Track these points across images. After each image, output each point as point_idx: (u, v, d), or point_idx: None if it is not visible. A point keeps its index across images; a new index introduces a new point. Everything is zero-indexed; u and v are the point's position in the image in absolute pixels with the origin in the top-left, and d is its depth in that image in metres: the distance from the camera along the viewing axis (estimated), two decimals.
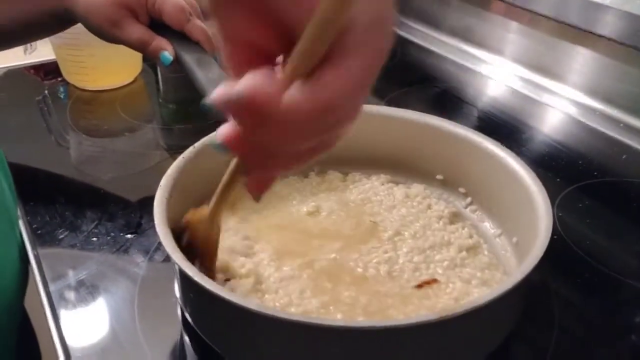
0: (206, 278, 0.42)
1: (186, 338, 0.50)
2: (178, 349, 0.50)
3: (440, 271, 0.51)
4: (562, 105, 0.87)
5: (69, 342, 0.49)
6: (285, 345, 0.42)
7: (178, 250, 0.45)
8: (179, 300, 0.50)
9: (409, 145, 0.63)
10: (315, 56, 0.27)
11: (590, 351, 0.50)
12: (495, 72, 0.96)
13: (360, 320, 0.45)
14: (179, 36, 0.64)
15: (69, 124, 0.83)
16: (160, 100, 0.95)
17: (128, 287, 0.54)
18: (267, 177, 0.35)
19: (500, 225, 0.57)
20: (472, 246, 0.54)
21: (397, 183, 0.62)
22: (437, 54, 1.05)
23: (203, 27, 0.64)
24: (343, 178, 0.63)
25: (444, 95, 0.93)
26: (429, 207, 0.59)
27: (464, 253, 0.53)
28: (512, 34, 0.96)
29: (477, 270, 0.51)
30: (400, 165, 0.63)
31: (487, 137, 0.58)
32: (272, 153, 0.32)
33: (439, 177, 0.62)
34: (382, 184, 0.62)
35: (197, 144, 0.57)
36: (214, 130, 0.55)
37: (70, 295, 0.54)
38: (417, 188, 0.61)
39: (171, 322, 0.51)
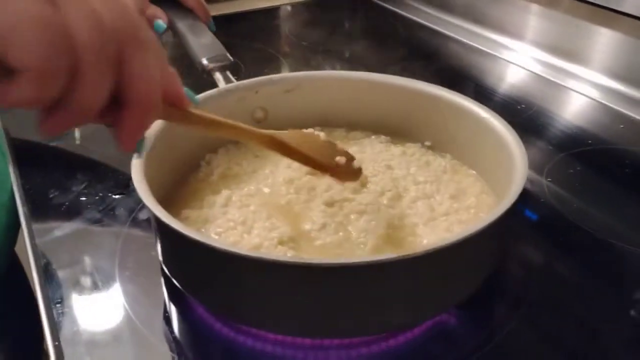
0: (172, 218, 0.42)
1: (164, 289, 0.51)
2: (159, 301, 0.50)
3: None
4: (584, 89, 0.83)
5: (52, 292, 0.50)
6: (253, 285, 0.42)
7: (150, 194, 0.45)
8: (158, 252, 0.50)
9: (400, 111, 0.63)
10: None
11: (569, 305, 0.49)
12: (515, 57, 0.94)
13: (328, 259, 0.45)
14: (171, 2, 0.65)
15: None
16: None
17: (111, 242, 0.55)
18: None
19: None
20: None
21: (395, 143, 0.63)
22: (454, 38, 1.04)
23: None
24: (346, 135, 0.65)
25: (463, 81, 0.90)
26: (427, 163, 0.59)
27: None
28: (533, 16, 0.94)
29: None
30: (396, 131, 0.64)
31: (470, 99, 0.58)
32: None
33: (427, 143, 0.62)
34: (381, 142, 0.63)
35: None
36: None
37: (55, 248, 0.55)
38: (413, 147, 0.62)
39: (152, 276, 0.52)
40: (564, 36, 0.89)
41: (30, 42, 0.28)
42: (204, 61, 0.62)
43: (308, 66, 0.96)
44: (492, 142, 0.54)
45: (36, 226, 0.56)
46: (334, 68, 0.98)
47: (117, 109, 0.33)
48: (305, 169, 0.54)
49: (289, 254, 0.47)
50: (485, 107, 0.56)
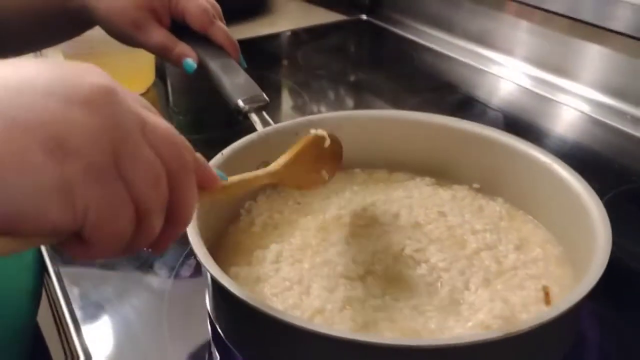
0: (241, 288, 0.39)
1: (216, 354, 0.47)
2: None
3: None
4: (575, 104, 0.87)
5: None
6: None
7: (210, 257, 0.42)
8: (210, 313, 0.46)
9: (445, 152, 0.60)
10: None
11: None
12: (508, 73, 0.96)
13: (422, 340, 0.42)
14: (200, 40, 0.61)
15: None
16: (170, 111, 0.92)
17: (155, 303, 0.51)
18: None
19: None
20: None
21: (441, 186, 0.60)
22: (449, 57, 1.04)
23: (226, 30, 0.61)
24: (388, 176, 0.62)
25: (458, 99, 0.92)
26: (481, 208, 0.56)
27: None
28: (524, 33, 0.96)
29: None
30: (442, 172, 0.61)
31: (530, 143, 0.55)
32: None
33: (475, 185, 0.59)
34: (427, 185, 0.60)
35: (226, 151, 0.54)
36: (226, 139, 0.56)
37: (95, 314, 0.50)
38: (462, 190, 0.58)
39: (201, 336, 0.48)
40: (555, 52, 0.92)
41: (101, 219, 0.28)
42: (240, 103, 0.58)
43: (311, 91, 0.93)
44: (554, 188, 0.52)
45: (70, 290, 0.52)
46: (337, 94, 0.96)
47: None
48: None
49: (358, 322, 0.43)
50: (543, 149, 0.54)
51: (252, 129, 0.57)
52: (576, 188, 0.50)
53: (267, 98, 0.59)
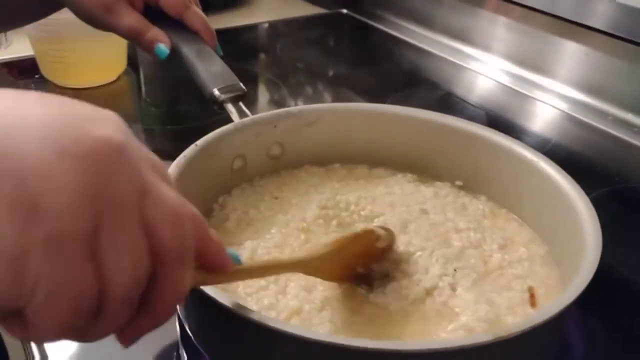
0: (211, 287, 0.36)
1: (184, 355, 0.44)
2: None
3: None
4: (553, 101, 0.86)
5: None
6: None
7: None
8: (179, 312, 0.44)
9: (427, 147, 0.58)
10: None
11: None
12: (487, 69, 0.95)
13: (408, 343, 0.40)
14: (175, 25, 0.58)
15: None
16: (142, 103, 0.88)
17: None
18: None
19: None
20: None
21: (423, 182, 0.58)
22: (430, 52, 1.02)
23: (203, 16, 0.58)
24: (369, 172, 0.59)
25: (438, 95, 0.90)
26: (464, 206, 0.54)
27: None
28: (503, 29, 0.95)
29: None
30: (423, 169, 0.59)
31: (515, 139, 0.54)
32: None
33: (458, 182, 0.58)
34: (409, 182, 0.57)
35: (200, 142, 0.51)
36: (202, 131, 0.53)
37: None
38: (444, 187, 0.56)
39: (169, 336, 0.46)
40: (534, 49, 0.91)
41: (50, 302, 0.23)
42: (216, 92, 0.56)
43: (289, 84, 0.91)
44: (539, 185, 0.51)
45: None
46: (315, 88, 0.94)
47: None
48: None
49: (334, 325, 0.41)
50: (527, 146, 0.52)
51: (229, 120, 0.55)
52: (563, 186, 0.48)
53: (244, 87, 0.57)
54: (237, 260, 0.33)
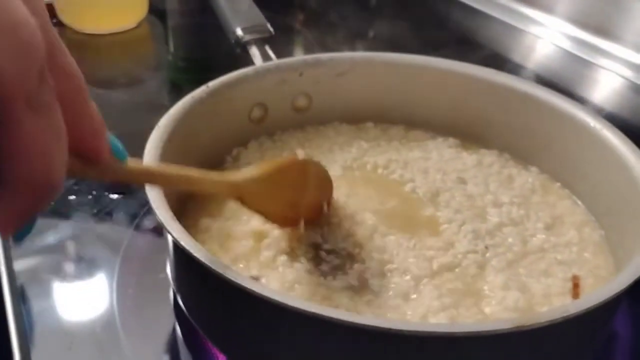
0: (209, 255, 0.31)
1: (178, 330, 0.40)
2: (167, 342, 0.39)
3: None
4: (618, 68, 0.75)
5: (28, 326, 0.39)
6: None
7: (170, 212, 0.34)
8: (171, 280, 0.39)
9: (475, 109, 0.51)
10: None
11: None
12: (546, 33, 0.83)
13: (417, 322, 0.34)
14: None
15: None
16: (170, 57, 0.83)
17: (108, 259, 0.44)
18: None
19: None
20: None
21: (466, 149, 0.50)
22: (482, 13, 0.91)
23: None
24: (405, 134, 0.52)
25: (488, 58, 0.81)
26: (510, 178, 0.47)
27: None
28: None
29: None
30: (469, 133, 0.51)
31: (578, 103, 0.46)
32: None
33: (507, 151, 0.50)
34: (450, 147, 0.50)
35: (213, 83, 0.46)
36: None
37: (36, 267, 0.43)
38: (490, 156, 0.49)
39: (160, 307, 0.41)
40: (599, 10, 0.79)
41: None
42: (239, 31, 0.50)
43: (323, 43, 0.83)
44: (601, 159, 0.43)
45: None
46: (353, 44, 0.86)
47: None
48: None
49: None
50: (595, 114, 0.44)
51: None
52: (629, 160, 0.40)
53: (271, 30, 0.51)
54: (120, 154, 0.26)
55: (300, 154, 0.42)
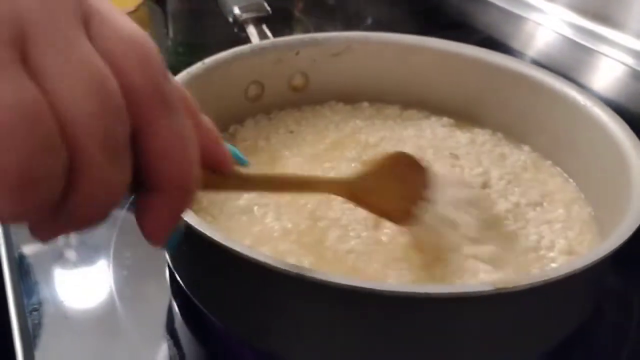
0: (204, 224, 0.32)
1: (174, 303, 0.40)
2: (163, 316, 0.40)
3: None
4: (619, 56, 0.74)
5: (26, 297, 0.39)
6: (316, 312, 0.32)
7: None
8: (168, 257, 0.40)
9: (470, 89, 0.51)
10: None
11: None
12: (547, 20, 0.83)
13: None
14: None
15: None
16: (170, 42, 0.83)
17: (103, 236, 0.44)
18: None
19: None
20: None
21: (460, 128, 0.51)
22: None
23: None
24: (400, 113, 0.53)
25: (487, 44, 0.80)
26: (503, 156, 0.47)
27: None
28: None
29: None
30: (462, 113, 0.52)
31: (570, 82, 0.46)
32: None
33: (499, 134, 0.50)
34: (444, 126, 0.51)
35: (209, 60, 0.46)
36: None
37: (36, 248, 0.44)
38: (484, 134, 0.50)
39: (156, 280, 0.42)
40: None
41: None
42: (236, 10, 0.51)
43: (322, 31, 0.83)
44: (592, 136, 0.43)
45: None
46: (349, 24, 0.86)
47: (141, 190, 0.22)
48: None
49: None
50: (587, 92, 0.45)
51: None
52: (618, 136, 0.40)
53: (268, 9, 0.52)
54: (241, 161, 0.27)
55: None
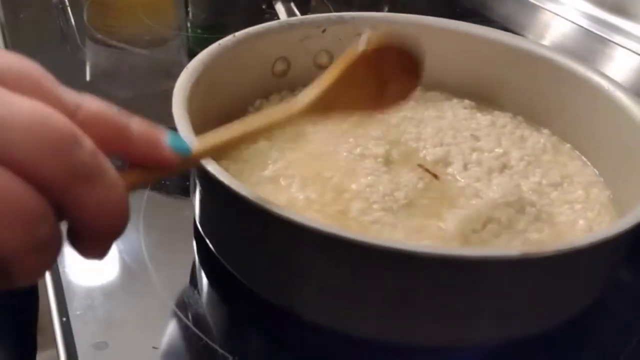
0: (235, 181, 0.32)
1: (197, 259, 0.42)
2: (188, 274, 0.41)
3: None
4: (636, 47, 0.74)
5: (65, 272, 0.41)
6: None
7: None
8: (196, 216, 0.41)
9: (492, 72, 0.52)
10: None
11: None
12: (562, 10, 0.83)
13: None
14: None
15: (87, 30, 0.75)
16: (189, 24, 0.84)
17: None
18: None
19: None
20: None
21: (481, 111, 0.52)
22: None
23: None
24: (422, 95, 0.53)
25: None
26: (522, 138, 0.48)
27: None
28: None
29: None
30: (484, 96, 0.53)
31: (591, 66, 0.47)
32: None
33: (520, 114, 0.51)
34: (465, 108, 0.51)
35: (240, 33, 0.48)
36: None
37: None
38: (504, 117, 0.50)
39: (184, 240, 0.43)
40: None
41: None
42: None
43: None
44: (614, 122, 0.44)
45: None
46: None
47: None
48: None
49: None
50: (609, 76, 0.46)
51: None
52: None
53: None
54: (184, 151, 0.26)
55: (363, 40, 0.34)
